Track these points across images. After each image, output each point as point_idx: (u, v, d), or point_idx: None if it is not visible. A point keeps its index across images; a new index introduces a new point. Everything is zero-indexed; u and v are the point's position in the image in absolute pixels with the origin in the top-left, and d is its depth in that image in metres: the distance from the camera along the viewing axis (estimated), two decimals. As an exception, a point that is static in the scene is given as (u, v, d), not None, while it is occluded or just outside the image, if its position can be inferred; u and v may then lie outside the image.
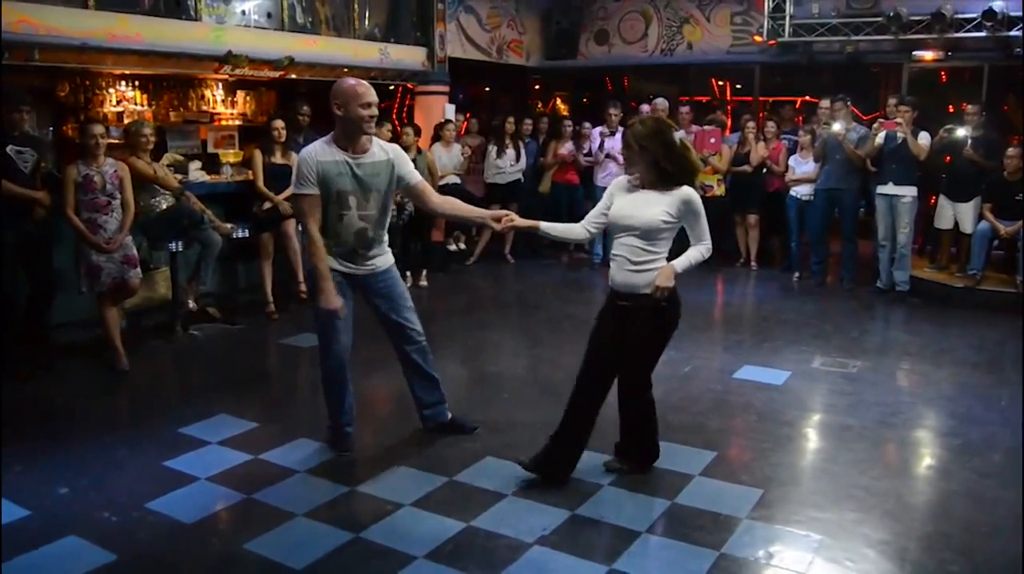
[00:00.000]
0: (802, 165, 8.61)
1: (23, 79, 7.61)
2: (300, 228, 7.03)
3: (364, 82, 4.00)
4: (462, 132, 9.82)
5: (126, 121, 8.70)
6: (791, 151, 8.89)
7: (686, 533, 3.47)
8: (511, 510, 3.66)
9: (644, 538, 3.44)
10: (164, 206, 6.22)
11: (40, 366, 5.56)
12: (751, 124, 9.13)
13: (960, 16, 8.78)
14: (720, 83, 11.92)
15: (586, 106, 12.30)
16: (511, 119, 9.60)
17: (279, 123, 7.11)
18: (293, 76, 8.49)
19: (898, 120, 7.61)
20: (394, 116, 10.73)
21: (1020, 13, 8.44)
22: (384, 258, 4.19)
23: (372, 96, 3.92)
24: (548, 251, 9.95)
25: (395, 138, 8.34)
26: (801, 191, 8.55)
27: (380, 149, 4.08)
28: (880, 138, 7.74)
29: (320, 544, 3.38)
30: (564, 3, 11.77)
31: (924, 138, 7.66)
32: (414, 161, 8.11)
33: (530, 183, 9.71)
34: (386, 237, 4.20)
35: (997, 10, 8.51)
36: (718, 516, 3.61)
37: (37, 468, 4.07)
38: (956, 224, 7.99)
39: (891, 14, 8.96)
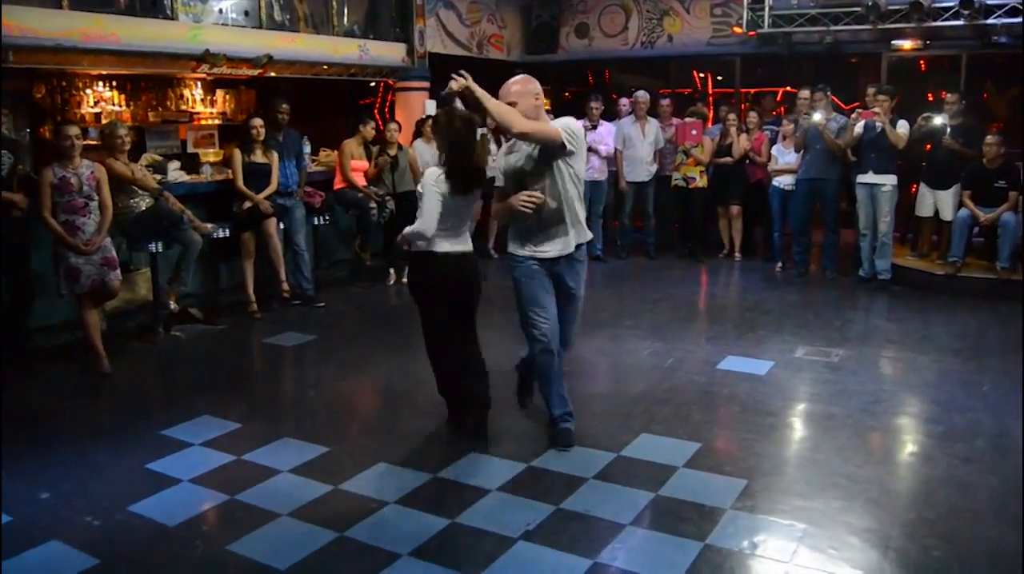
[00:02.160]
0: (785, 155, 8.63)
1: (-2, 81, 7.53)
2: (281, 227, 7.15)
3: (516, 80, 4.31)
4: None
5: (104, 122, 8.64)
6: (773, 142, 8.92)
7: (671, 525, 3.48)
8: (496, 505, 3.66)
9: (629, 531, 3.44)
10: (143, 207, 6.18)
11: (20, 370, 5.51)
12: (731, 117, 9.16)
13: (938, 5, 8.79)
14: (701, 75, 11.91)
15: (568, 100, 12.27)
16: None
17: (258, 121, 7.06)
18: (272, 74, 8.43)
19: (876, 110, 7.65)
20: (376, 112, 10.69)
21: (997, 1, 8.47)
22: (560, 243, 4.15)
23: (507, 91, 4.23)
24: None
25: (378, 134, 8.31)
26: (783, 181, 8.59)
27: None
28: (859, 128, 7.78)
29: (304, 544, 3.36)
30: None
31: (902, 127, 7.70)
32: (396, 158, 8.17)
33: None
34: (567, 226, 4.13)
35: (974, -2, 8.55)
36: (702, 507, 3.62)
37: (18, 473, 4.03)
38: (936, 212, 8.05)
39: (869, 4, 8.97)
